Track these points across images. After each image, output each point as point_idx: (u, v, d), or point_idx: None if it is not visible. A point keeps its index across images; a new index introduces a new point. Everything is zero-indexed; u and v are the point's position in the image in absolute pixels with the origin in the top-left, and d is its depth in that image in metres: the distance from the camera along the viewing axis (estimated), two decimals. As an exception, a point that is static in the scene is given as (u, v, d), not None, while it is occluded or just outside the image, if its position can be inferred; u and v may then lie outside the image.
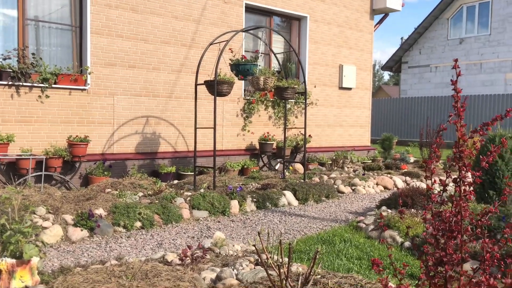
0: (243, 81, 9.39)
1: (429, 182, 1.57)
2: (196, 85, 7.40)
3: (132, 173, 7.84)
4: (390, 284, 1.39)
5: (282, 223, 6.03)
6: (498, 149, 1.71)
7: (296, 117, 10.97)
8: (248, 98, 9.99)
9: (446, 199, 1.75)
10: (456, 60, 1.45)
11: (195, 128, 7.42)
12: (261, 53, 10.43)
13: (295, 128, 10.14)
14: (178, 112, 8.92)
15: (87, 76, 7.70)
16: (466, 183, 1.62)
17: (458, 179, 1.54)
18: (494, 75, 20.26)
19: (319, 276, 3.10)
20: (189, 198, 6.31)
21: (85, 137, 7.45)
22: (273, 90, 8.39)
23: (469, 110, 18.46)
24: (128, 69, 8.20)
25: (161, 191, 6.65)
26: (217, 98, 7.25)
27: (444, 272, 1.60)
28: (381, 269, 1.37)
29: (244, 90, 9.97)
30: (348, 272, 3.91)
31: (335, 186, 8.29)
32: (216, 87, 6.94)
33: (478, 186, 5.88)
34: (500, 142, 6.00)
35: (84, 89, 7.73)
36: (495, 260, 1.53)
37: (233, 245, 4.39)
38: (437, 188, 5.00)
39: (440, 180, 1.74)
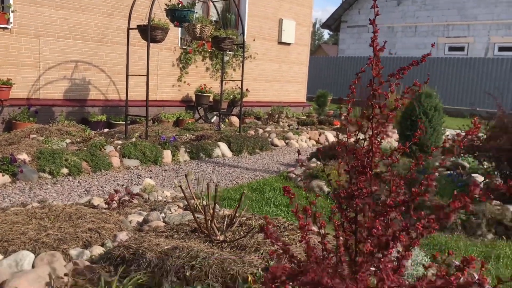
0: (179, 29, 9.11)
1: (343, 118, 1.62)
2: (128, 29, 7.08)
3: (60, 119, 7.51)
4: (300, 214, 1.45)
5: (215, 173, 6.07)
6: (413, 92, 1.79)
7: (234, 70, 10.88)
8: (185, 47, 9.74)
9: (361, 139, 1.81)
10: (373, 21, 1.48)
11: (127, 75, 7.16)
12: (199, 0, 10.12)
13: (233, 81, 10.06)
14: (110, 58, 8.55)
15: (10, 14, 7.14)
16: (379, 121, 1.68)
17: (370, 116, 1.60)
18: (427, 39, 20.98)
19: (245, 218, 3.17)
20: (119, 146, 6.16)
21: (7, 79, 6.99)
22: (210, 40, 8.21)
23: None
24: (55, 9, 7.68)
25: (90, 138, 6.44)
26: (152, 45, 7.00)
27: (355, 205, 1.68)
28: (291, 195, 1.42)
29: (181, 39, 9.69)
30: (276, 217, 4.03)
31: (270, 139, 8.41)
32: (150, 33, 6.69)
33: (401, 140, 6.18)
34: (427, 96, 6.29)
35: (7, 28, 7.18)
36: (401, 191, 1.62)
37: (163, 191, 4.38)
38: (361, 137, 5.20)
39: (356, 120, 1.80)
